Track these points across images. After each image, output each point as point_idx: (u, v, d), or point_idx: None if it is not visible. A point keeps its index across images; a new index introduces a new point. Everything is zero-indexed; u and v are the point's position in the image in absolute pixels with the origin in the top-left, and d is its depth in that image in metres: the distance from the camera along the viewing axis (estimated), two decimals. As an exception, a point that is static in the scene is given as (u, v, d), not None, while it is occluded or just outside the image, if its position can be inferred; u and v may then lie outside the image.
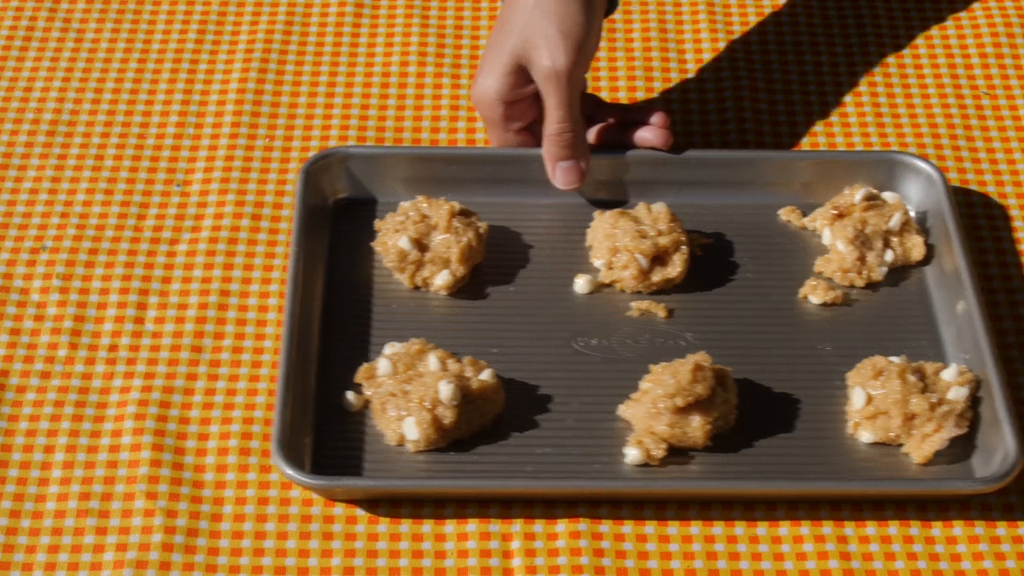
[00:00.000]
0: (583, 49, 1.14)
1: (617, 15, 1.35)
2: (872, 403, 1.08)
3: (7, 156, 1.22)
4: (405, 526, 1.01)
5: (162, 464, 1.03)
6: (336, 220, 1.19)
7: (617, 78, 1.30)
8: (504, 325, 1.14)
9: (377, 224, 1.17)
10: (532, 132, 1.19)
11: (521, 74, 1.15)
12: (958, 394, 1.08)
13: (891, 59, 1.33)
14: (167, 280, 1.14)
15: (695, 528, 1.02)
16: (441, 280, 1.14)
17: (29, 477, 1.02)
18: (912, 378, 1.08)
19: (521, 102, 1.17)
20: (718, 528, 1.02)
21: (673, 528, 1.02)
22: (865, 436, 1.08)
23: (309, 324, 1.11)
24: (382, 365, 1.08)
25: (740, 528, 1.02)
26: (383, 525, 1.01)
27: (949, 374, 1.09)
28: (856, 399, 1.08)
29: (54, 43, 1.31)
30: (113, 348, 1.10)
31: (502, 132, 1.18)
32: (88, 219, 1.18)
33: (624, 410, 1.07)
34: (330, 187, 1.20)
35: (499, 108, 1.16)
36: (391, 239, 1.15)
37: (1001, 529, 1.03)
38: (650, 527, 1.02)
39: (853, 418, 1.08)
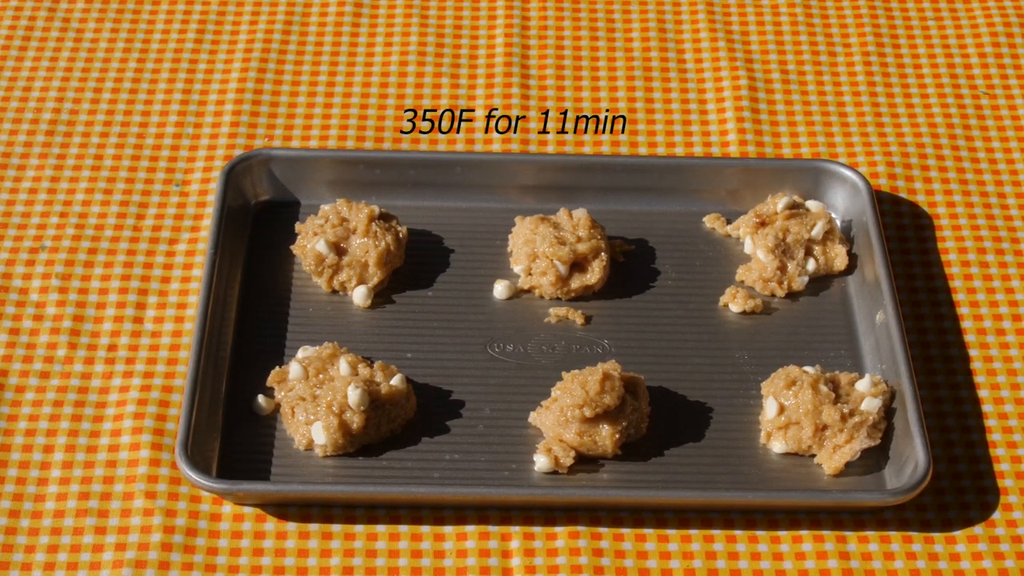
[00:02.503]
0: None
1: (616, 15, 1.36)
2: (784, 413, 1.07)
3: (6, 156, 1.23)
4: (404, 526, 1.02)
5: (161, 463, 1.04)
6: (259, 222, 1.20)
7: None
8: (420, 330, 1.14)
9: (298, 227, 1.17)
10: None
11: None
12: (871, 405, 1.08)
13: (838, 68, 1.33)
14: (166, 280, 1.15)
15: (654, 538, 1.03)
16: (358, 290, 1.15)
17: (28, 477, 1.03)
18: (825, 388, 1.07)
19: None
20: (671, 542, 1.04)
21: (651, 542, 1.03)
22: (777, 446, 1.08)
23: (223, 327, 1.11)
24: (293, 369, 1.08)
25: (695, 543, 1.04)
26: (382, 525, 1.02)
27: (863, 385, 1.09)
28: (768, 409, 1.08)
29: (53, 43, 1.32)
30: (112, 348, 1.11)
31: None
32: (87, 218, 1.19)
33: (535, 417, 1.08)
34: (252, 189, 1.20)
35: None
36: (309, 242, 1.15)
37: (917, 545, 1.04)
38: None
39: (766, 428, 1.08)
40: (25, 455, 1.04)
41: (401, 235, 1.16)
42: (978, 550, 1.03)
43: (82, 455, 1.05)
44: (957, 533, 1.04)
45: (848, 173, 1.19)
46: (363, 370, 1.08)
